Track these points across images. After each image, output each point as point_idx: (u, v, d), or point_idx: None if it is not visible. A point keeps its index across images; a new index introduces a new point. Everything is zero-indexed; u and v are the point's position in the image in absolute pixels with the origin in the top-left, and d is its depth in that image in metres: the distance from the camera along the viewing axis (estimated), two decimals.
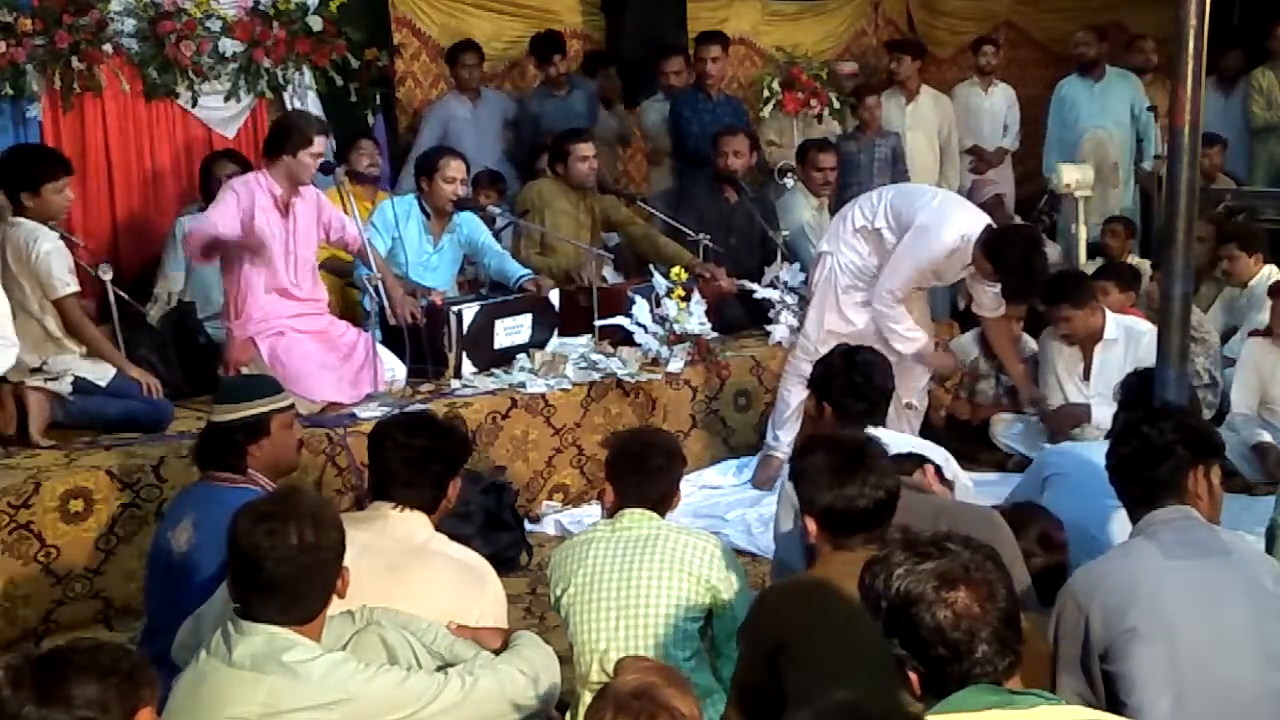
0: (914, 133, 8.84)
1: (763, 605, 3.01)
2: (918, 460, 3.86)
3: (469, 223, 6.41)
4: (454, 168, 6.21)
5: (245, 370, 5.24)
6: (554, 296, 6.26)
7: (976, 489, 4.55)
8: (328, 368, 5.48)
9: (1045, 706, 2.20)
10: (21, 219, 5.12)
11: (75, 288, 5.15)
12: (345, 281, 6.51)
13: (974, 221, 5.71)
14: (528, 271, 6.36)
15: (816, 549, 3.07)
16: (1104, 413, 5.96)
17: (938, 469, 3.90)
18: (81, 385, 5.09)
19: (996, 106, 9.48)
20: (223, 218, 5.29)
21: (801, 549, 3.83)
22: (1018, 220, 8.45)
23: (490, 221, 6.83)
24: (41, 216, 5.14)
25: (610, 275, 6.94)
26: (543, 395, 5.85)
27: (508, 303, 6.10)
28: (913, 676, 2.24)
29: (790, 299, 6.86)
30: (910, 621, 2.20)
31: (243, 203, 5.33)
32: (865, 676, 2.68)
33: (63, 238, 5.51)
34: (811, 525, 3.03)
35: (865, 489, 2.95)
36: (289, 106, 6.94)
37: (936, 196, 5.96)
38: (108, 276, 5.51)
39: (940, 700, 2.20)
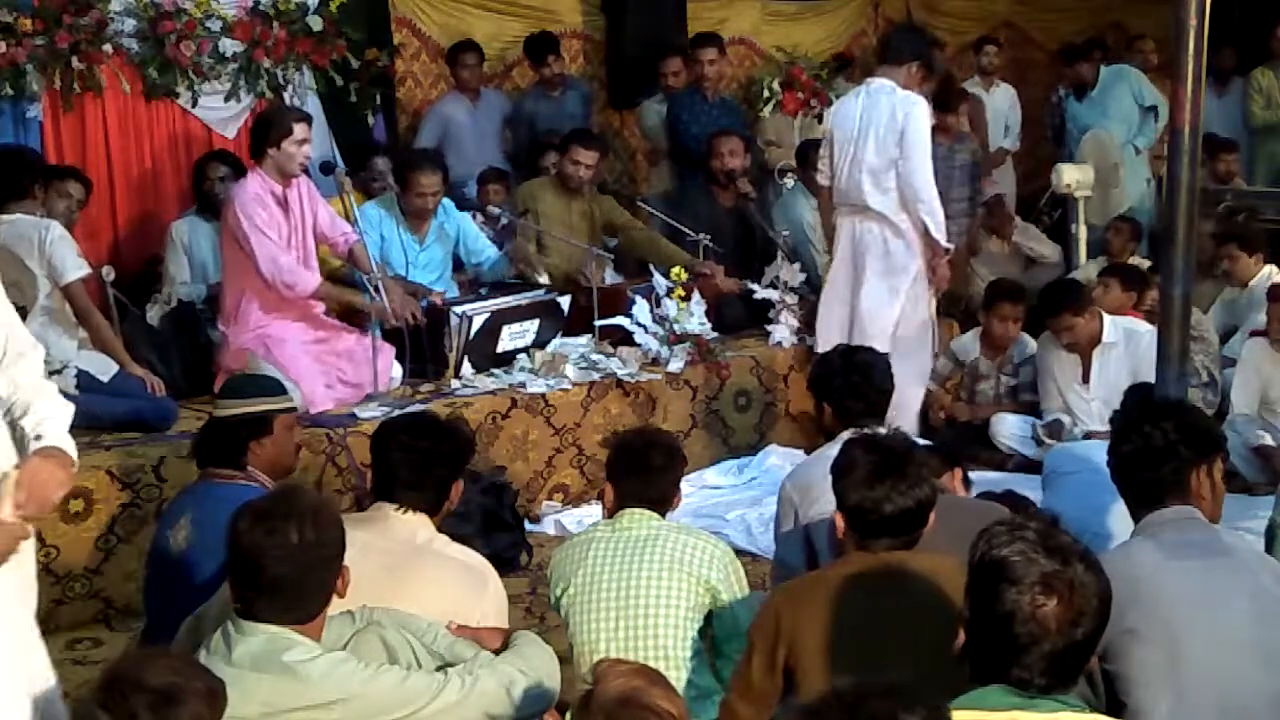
0: None
1: (777, 601, 3.02)
2: (947, 459, 3.86)
3: (455, 215, 6.41)
4: (424, 183, 6.17)
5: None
6: (564, 301, 6.25)
7: (975, 489, 4.55)
8: (323, 374, 5.47)
9: (1067, 713, 2.20)
10: (18, 215, 5.13)
11: (86, 270, 5.17)
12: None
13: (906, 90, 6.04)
14: (492, 253, 6.43)
15: (843, 546, 3.09)
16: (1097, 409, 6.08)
17: (965, 474, 3.91)
18: (84, 381, 5.09)
19: (998, 106, 9.47)
20: (279, 248, 5.34)
21: (801, 549, 3.85)
22: (1019, 222, 8.45)
23: (494, 221, 6.83)
24: (33, 213, 5.17)
25: (610, 275, 6.94)
26: (543, 395, 5.85)
27: (516, 308, 6.09)
28: (961, 634, 2.28)
29: (790, 299, 6.86)
30: (992, 591, 2.21)
31: (271, 218, 5.34)
32: (876, 674, 2.69)
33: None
34: (840, 522, 3.04)
35: (894, 495, 2.94)
36: None
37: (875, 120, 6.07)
38: (110, 278, 5.53)
39: (976, 676, 2.23)
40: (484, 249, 6.51)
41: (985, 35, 10.04)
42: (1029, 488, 4.92)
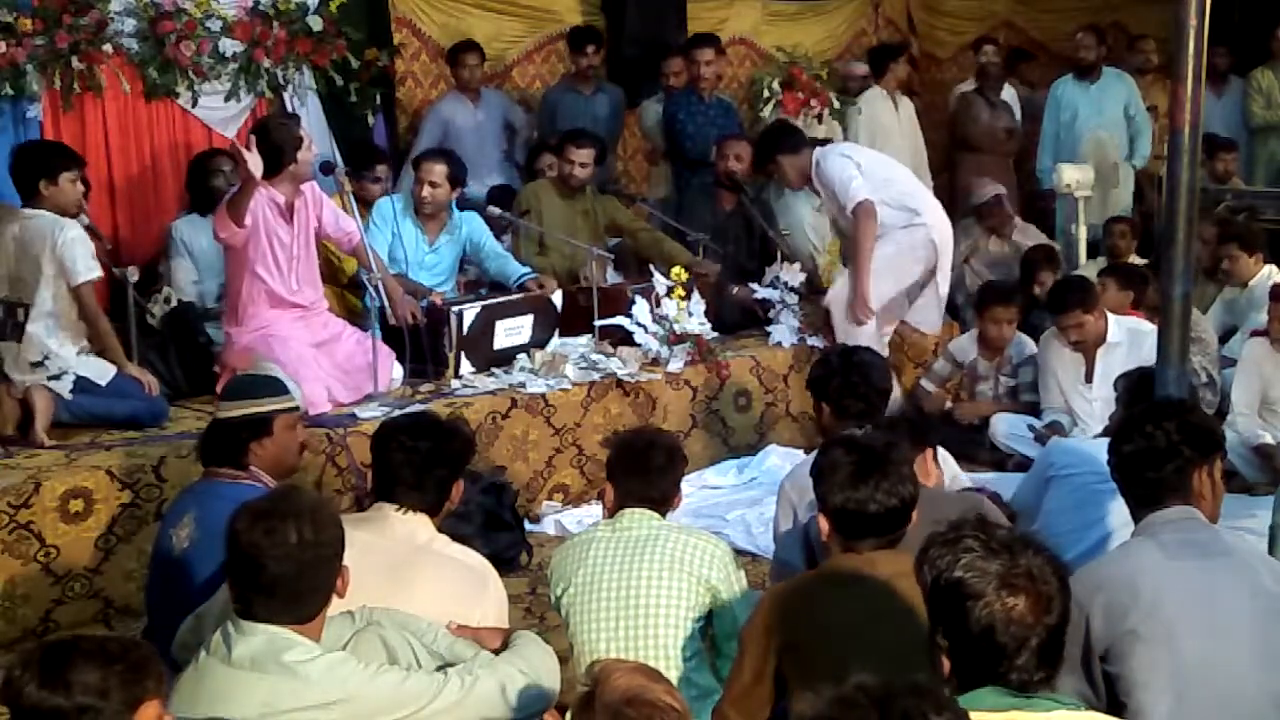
0: None
1: (766, 606, 3.02)
2: (915, 439, 3.86)
3: (470, 222, 6.43)
4: (427, 167, 6.20)
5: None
6: (557, 298, 6.25)
7: (971, 487, 4.56)
8: (325, 374, 5.47)
9: (1063, 712, 2.19)
10: (41, 211, 5.12)
11: (98, 273, 5.17)
12: (344, 284, 6.51)
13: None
14: (528, 270, 6.36)
15: (828, 548, 3.08)
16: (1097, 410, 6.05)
17: (935, 454, 3.92)
18: (82, 385, 5.09)
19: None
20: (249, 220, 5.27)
21: (801, 549, 3.84)
22: (1018, 222, 8.44)
23: (491, 223, 6.83)
24: (57, 208, 5.15)
25: (610, 275, 6.95)
26: (543, 395, 5.85)
27: (509, 304, 6.09)
28: (945, 661, 2.25)
29: (790, 299, 6.86)
30: (960, 612, 2.20)
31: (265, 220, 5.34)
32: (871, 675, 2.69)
33: (90, 230, 5.55)
34: (824, 524, 3.04)
35: (878, 494, 2.95)
36: (289, 107, 6.95)
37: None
38: (133, 279, 5.54)
39: (965, 690, 2.20)
40: (486, 242, 6.48)
41: (985, 35, 10.04)
42: None
